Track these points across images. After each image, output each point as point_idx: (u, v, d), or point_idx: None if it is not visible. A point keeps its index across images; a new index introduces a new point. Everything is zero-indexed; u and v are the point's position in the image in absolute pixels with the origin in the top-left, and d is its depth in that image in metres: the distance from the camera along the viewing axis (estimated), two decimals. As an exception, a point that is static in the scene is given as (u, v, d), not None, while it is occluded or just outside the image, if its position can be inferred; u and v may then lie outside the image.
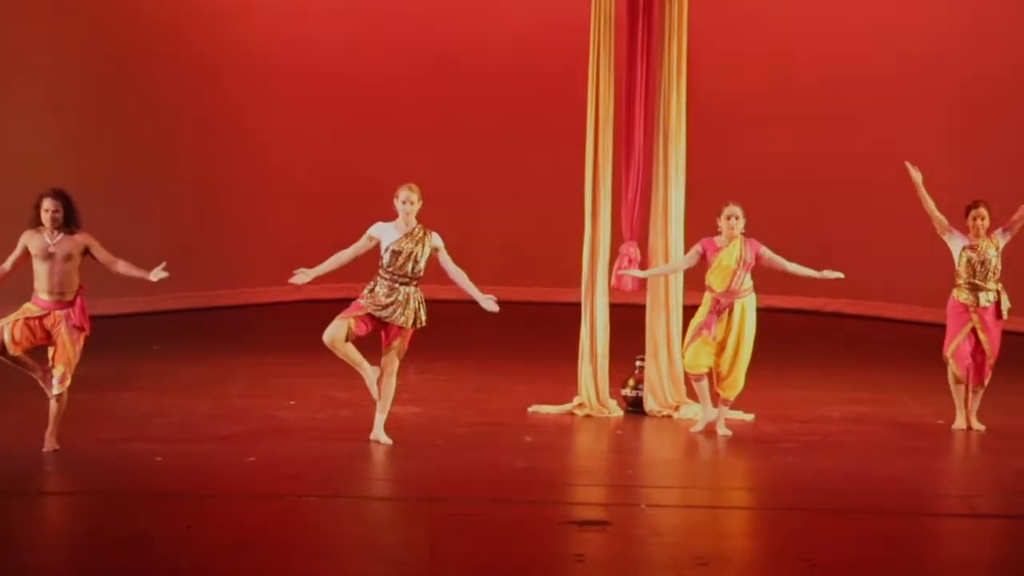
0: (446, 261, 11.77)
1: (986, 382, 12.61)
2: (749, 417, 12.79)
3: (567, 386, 13.05)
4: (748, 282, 12.31)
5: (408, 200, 11.76)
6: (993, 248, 12.61)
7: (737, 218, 12.24)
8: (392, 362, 11.65)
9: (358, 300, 11.68)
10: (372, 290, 11.65)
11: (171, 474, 10.55)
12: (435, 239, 11.71)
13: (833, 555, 9.10)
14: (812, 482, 10.85)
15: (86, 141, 17.55)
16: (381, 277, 11.65)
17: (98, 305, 16.90)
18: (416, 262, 11.65)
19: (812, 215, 18.43)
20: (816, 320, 18.56)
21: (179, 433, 11.74)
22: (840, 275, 12.31)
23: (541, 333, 16.41)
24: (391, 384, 11.64)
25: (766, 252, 12.31)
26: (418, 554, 8.96)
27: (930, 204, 12.68)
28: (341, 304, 19.55)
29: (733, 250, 12.21)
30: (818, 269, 12.33)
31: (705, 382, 12.31)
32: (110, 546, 8.89)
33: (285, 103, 18.73)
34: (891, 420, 13.02)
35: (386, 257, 11.64)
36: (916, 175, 12.67)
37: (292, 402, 13.01)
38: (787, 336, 17.36)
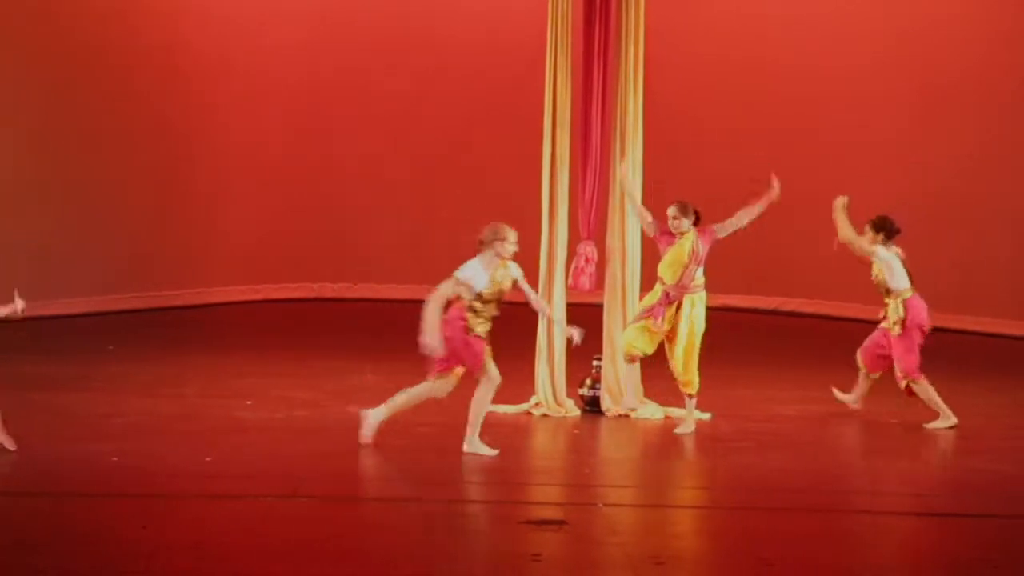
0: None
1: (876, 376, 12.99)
2: (706, 416, 12.83)
3: (524, 386, 13.07)
4: (700, 278, 12.38)
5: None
6: (875, 266, 12.80)
7: (676, 218, 12.36)
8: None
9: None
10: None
11: (127, 474, 10.52)
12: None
13: (788, 554, 9.14)
14: (768, 481, 10.89)
15: (42, 142, 17.47)
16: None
17: (54, 305, 16.96)
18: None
19: (769, 215, 18.46)
20: (772, 319, 18.63)
21: (136, 433, 11.71)
22: (776, 186, 12.63)
23: (498, 333, 16.37)
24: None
25: (719, 228, 12.40)
26: (375, 554, 8.97)
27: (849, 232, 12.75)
28: (300, 303, 19.70)
29: (685, 243, 12.30)
30: (761, 204, 12.55)
31: (637, 367, 12.39)
32: (66, 547, 8.86)
33: (244, 102, 18.68)
34: (847, 419, 13.07)
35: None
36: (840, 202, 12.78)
37: (249, 402, 12.99)
38: (744, 335, 17.43)
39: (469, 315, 11.35)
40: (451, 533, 9.48)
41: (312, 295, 19.09)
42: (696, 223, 12.47)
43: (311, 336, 17.05)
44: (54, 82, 17.43)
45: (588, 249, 13.04)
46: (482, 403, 11.42)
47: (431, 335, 11.07)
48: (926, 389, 12.77)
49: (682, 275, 12.31)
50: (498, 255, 11.37)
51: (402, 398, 11.59)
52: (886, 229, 12.87)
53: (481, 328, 11.41)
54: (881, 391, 13.56)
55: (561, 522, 9.58)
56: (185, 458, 10.96)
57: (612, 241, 13.08)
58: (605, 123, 13.07)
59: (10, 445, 10.93)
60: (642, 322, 12.41)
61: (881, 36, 18.32)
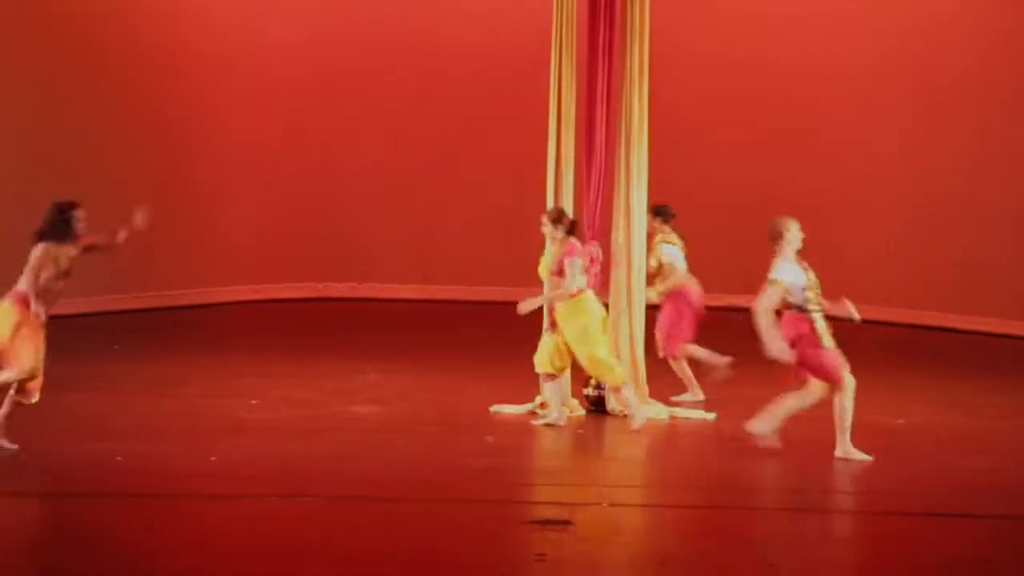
0: None
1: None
2: (710, 416, 12.82)
3: (529, 386, 13.05)
4: (570, 286, 12.42)
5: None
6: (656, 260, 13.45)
7: (544, 224, 12.49)
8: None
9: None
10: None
11: (131, 474, 10.50)
12: None
13: (792, 555, 9.13)
14: (772, 482, 10.88)
15: (42, 141, 17.46)
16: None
17: (56, 305, 16.91)
18: None
19: (773, 214, 18.46)
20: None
21: (139, 433, 11.69)
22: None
23: (503, 333, 16.39)
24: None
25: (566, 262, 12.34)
26: (378, 554, 8.95)
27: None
28: (303, 303, 19.71)
29: (546, 257, 12.48)
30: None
31: (556, 384, 12.44)
32: (70, 547, 8.86)
33: (245, 102, 18.68)
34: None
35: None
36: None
37: (254, 401, 12.97)
38: (746, 335, 17.38)
39: (815, 321, 11.25)
40: (455, 533, 9.46)
41: (316, 295, 19.08)
42: (570, 232, 12.49)
43: (314, 336, 17.04)
44: (54, 82, 17.41)
45: (593, 249, 13.02)
46: (846, 409, 11.29)
47: (775, 344, 11.04)
48: (683, 367, 13.37)
49: (549, 283, 12.41)
50: (793, 247, 11.32)
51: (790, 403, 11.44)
52: (663, 214, 13.56)
53: (828, 337, 11.28)
54: (884, 392, 13.56)
55: (566, 522, 9.57)
56: (188, 458, 10.95)
57: (617, 241, 13.03)
58: (609, 124, 13.04)
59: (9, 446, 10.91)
60: (547, 335, 12.48)
61: (883, 35, 18.31)
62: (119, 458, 10.82)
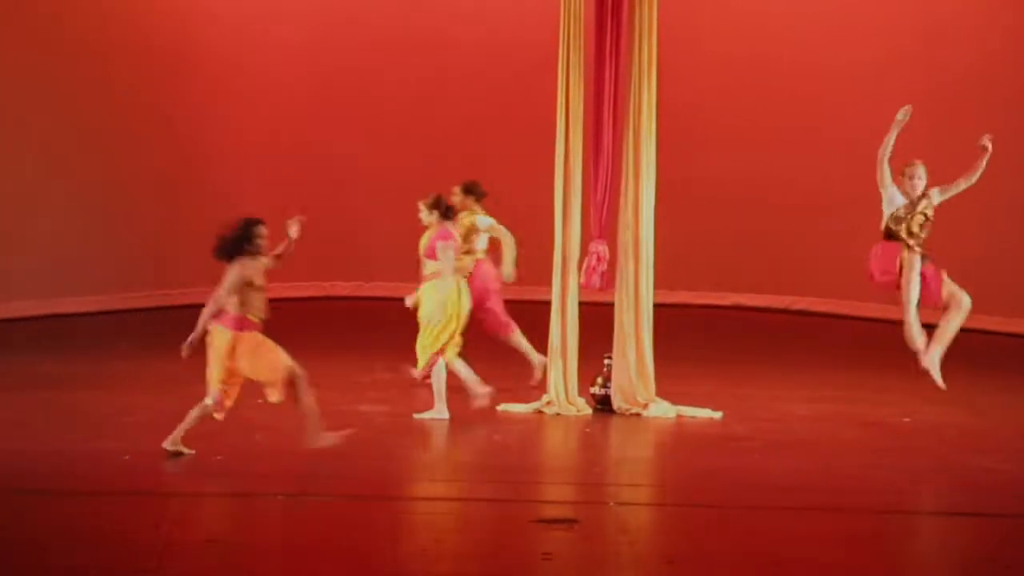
0: None
1: None
2: (717, 415, 12.82)
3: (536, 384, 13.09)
4: (428, 268, 12.72)
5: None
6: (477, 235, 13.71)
7: (421, 211, 12.81)
8: None
9: None
10: None
11: (138, 473, 10.52)
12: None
13: (799, 554, 9.13)
14: (779, 480, 10.87)
15: (53, 141, 17.49)
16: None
17: (65, 303, 16.97)
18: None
19: (780, 213, 18.48)
20: (783, 318, 18.60)
21: (146, 431, 11.69)
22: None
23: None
24: None
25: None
26: (385, 553, 8.95)
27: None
28: (309, 303, 19.68)
29: (424, 238, 12.79)
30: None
31: (456, 363, 12.70)
32: (78, 545, 8.87)
33: (249, 102, 18.68)
34: (858, 418, 13.05)
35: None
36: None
37: (259, 400, 12.95)
38: (754, 334, 17.42)
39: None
40: (461, 531, 9.47)
41: (322, 293, 19.08)
42: (445, 217, 12.79)
43: (320, 335, 17.02)
44: (66, 82, 17.45)
45: (600, 248, 13.03)
46: (950, 324, 11.97)
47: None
48: (518, 340, 13.57)
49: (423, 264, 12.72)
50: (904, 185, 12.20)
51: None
52: (474, 192, 13.80)
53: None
54: (893, 391, 13.55)
55: (572, 521, 9.57)
56: (195, 457, 10.95)
57: (624, 240, 13.03)
58: (617, 122, 13.04)
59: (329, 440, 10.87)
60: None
61: (888, 34, 18.29)
62: (126, 456, 10.83)
